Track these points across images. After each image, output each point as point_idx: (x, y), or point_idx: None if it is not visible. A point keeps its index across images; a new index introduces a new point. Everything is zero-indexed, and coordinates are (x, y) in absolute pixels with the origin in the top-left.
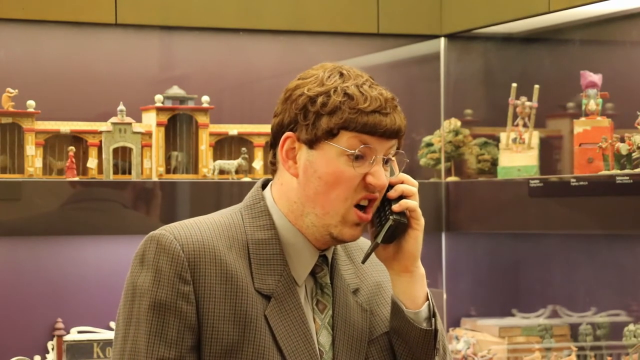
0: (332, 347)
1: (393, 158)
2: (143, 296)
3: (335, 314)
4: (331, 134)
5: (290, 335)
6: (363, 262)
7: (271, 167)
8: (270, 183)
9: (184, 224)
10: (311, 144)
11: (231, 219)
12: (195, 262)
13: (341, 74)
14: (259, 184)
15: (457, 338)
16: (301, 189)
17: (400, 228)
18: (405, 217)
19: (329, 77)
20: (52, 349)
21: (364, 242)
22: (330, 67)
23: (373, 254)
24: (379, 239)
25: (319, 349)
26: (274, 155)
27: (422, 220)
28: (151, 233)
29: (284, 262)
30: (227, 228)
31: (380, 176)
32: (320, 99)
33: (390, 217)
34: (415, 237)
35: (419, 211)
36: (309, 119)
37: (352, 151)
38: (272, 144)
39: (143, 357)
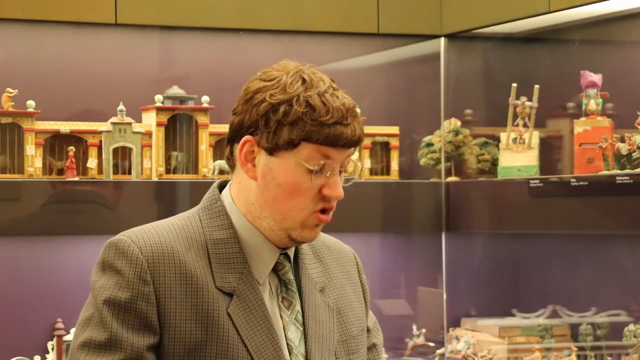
0: (302, 341)
1: (348, 168)
2: (104, 299)
3: (305, 310)
4: (292, 145)
5: (255, 331)
6: None
7: (227, 163)
8: (229, 182)
9: (141, 228)
10: (271, 151)
11: (189, 221)
12: (154, 263)
13: (303, 80)
14: (215, 185)
15: (457, 338)
16: (260, 193)
17: None
18: None
19: (291, 83)
20: (52, 349)
21: (327, 239)
22: (292, 69)
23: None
24: None
25: (288, 344)
26: (232, 153)
27: None
28: (109, 240)
29: (244, 260)
30: (184, 230)
31: (336, 187)
32: (282, 108)
33: None
34: None
35: None
36: (270, 127)
37: (312, 167)
38: (229, 140)
39: (98, 355)
